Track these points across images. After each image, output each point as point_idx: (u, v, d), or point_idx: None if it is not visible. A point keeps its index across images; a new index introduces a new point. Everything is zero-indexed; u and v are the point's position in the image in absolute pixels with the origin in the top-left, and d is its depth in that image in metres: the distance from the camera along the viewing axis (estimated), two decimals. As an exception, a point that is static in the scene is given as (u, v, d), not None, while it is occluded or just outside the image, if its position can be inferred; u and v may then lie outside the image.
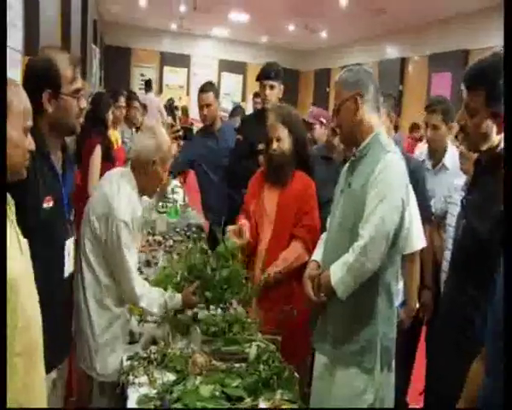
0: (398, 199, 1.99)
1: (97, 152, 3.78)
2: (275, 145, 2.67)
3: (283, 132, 2.68)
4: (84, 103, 1.93)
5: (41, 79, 1.80)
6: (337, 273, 2.02)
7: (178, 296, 2.31)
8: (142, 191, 2.29)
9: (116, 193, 2.14)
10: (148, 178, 2.25)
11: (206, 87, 3.83)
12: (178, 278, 2.38)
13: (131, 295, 2.20)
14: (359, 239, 1.97)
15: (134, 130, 5.34)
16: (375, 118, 2.12)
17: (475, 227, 1.84)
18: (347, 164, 2.25)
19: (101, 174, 2.38)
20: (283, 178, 2.70)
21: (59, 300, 1.88)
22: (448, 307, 1.99)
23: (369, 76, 2.14)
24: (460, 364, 1.56)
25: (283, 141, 2.68)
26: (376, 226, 1.95)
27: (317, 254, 2.29)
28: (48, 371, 1.68)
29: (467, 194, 2.04)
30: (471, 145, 1.91)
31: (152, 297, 2.24)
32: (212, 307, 2.38)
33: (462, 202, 2.01)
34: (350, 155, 2.24)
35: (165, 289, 2.35)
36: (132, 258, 2.18)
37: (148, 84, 10.60)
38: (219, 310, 2.41)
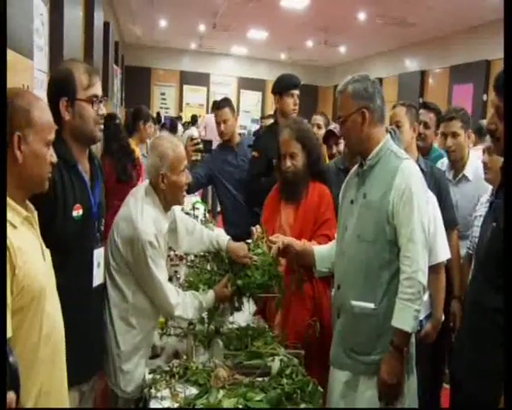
0: (424, 205, 2.02)
1: None
2: (288, 162, 2.63)
3: (297, 148, 2.63)
4: (103, 110, 1.94)
5: (58, 88, 1.87)
6: (404, 318, 1.96)
7: (211, 292, 2.30)
8: (168, 204, 2.27)
9: (140, 214, 2.12)
10: (166, 191, 2.21)
11: (222, 103, 3.86)
12: (209, 268, 2.41)
13: (167, 308, 2.20)
14: (406, 261, 1.97)
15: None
16: (380, 128, 2.13)
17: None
18: (352, 174, 2.23)
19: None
20: (298, 194, 2.67)
21: (88, 310, 1.89)
22: (473, 313, 1.93)
23: (376, 86, 2.13)
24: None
25: (297, 157, 2.63)
26: (418, 243, 1.96)
27: (322, 248, 2.41)
28: (77, 382, 1.69)
29: (495, 197, 2.01)
30: (502, 149, 1.87)
31: (185, 303, 2.22)
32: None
33: (491, 204, 1.98)
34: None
35: (197, 289, 2.33)
36: (162, 273, 2.17)
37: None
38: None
